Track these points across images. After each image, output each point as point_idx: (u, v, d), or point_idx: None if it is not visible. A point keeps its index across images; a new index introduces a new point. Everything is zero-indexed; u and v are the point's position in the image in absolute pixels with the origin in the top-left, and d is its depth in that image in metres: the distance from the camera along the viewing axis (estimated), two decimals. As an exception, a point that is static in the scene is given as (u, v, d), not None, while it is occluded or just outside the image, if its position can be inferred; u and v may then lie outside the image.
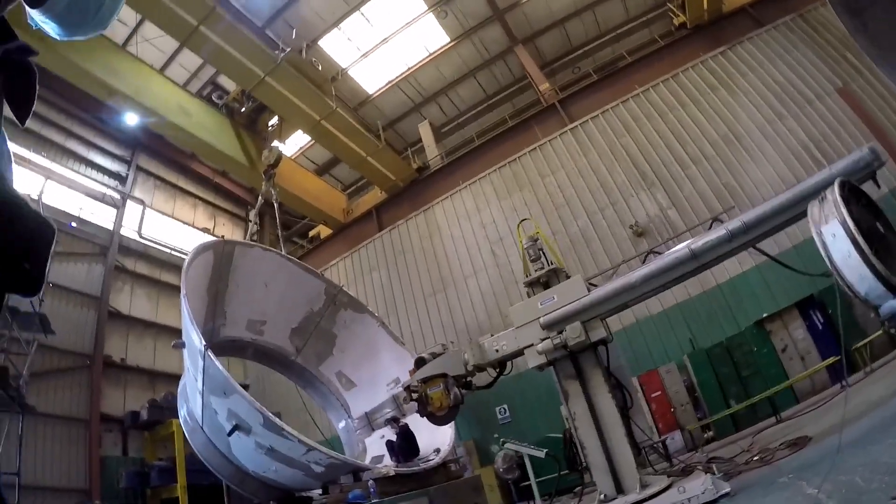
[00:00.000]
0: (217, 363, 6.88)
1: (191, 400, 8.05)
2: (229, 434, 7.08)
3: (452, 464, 9.53)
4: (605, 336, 5.98)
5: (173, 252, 17.86)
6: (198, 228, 19.85)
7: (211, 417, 7.49)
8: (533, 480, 8.38)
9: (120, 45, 14.65)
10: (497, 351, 6.47)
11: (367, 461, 9.87)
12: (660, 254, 6.11)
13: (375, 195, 19.76)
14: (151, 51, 15.78)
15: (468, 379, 6.62)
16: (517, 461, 9.80)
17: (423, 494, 7.28)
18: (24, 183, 13.94)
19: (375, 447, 10.55)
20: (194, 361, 7.42)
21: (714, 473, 5.26)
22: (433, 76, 20.09)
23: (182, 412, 8.57)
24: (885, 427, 4.64)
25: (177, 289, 8.46)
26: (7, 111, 1.08)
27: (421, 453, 9.23)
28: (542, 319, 6.08)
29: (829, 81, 13.10)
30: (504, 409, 13.68)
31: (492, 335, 6.68)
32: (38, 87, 1.15)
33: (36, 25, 1.19)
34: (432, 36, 18.65)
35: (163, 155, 18.92)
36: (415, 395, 6.56)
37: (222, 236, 15.16)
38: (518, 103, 20.95)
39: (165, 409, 13.47)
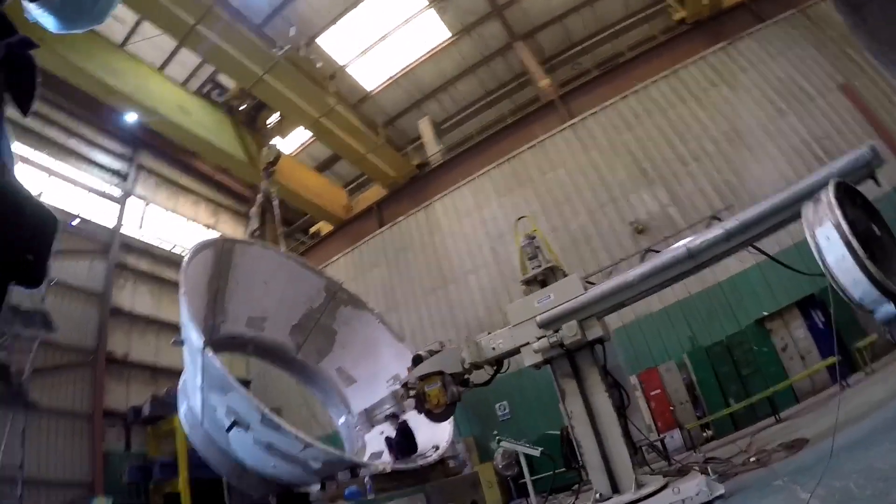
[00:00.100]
0: (215, 361, 6.91)
1: (191, 396, 8.10)
2: (228, 430, 7.11)
3: (451, 460, 9.55)
4: (602, 335, 5.98)
5: (175, 249, 17.93)
6: (200, 225, 19.91)
7: (210, 414, 7.54)
8: (528, 478, 8.39)
9: (119, 45, 14.67)
10: (494, 349, 6.48)
11: (366, 457, 9.91)
12: (658, 252, 6.09)
13: (376, 191, 19.76)
14: (150, 49, 15.76)
15: (465, 377, 6.65)
16: (517, 458, 9.82)
17: (420, 491, 7.31)
18: (26, 182, 13.94)
19: (375, 443, 10.58)
20: (193, 359, 7.46)
21: (709, 475, 5.26)
22: (433, 72, 20.03)
23: (182, 408, 8.62)
24: (883, 431, 4.62)
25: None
26: (10, 105, 1.11)
27: (419, 450, 9.26)
28: (538, 318, 6.08)
29: (831, 78, 13.02)
30: (504, 405, 13.71)
31: (488, 333, 6.70)
32: (39, 79, 1.16)
33: (33, 19, 1.21)
34: (432, 32, 18.58)
35: (164, 152, 18.93)
36: (412, 393, 6.60)
37: (222, 234, 15.20)
38: (518, 99, 20.87)
39: (168, 405, 13.51)
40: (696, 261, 5.60)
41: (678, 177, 13.75)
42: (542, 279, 6.86)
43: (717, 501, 4.66)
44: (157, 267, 17.29)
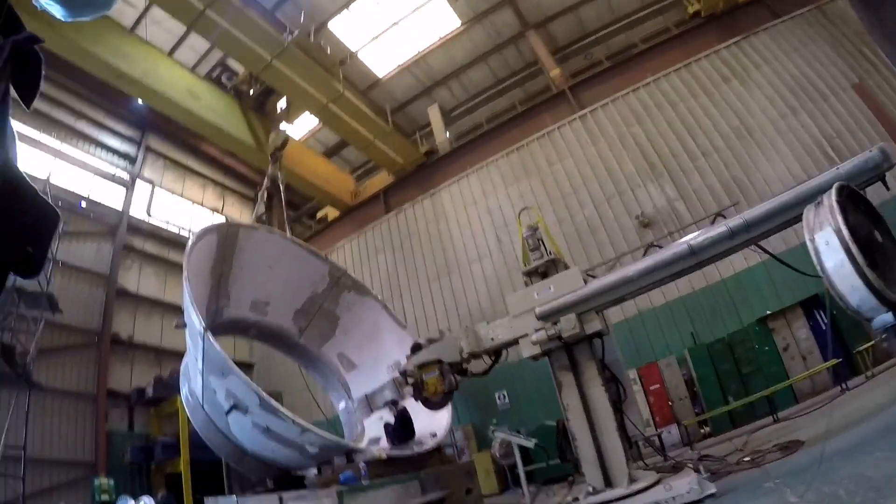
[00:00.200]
0: (216, 345, 6.97)
1: (192, 378, 8.18)
2: (227, 413, 7.20)
3: (448, 448, 9.62)
4: (601, 329, 5.98)
5: (182, 232, 18.03)
6: (207, 208, 20.00)
7: (210, 396, 7.61)
8: (521, 468, 8.44)
9: (129, 29, 14.64)
10: (492, 339, 6.51)
11: (364, 442, 9.99)
12: (661, 247, 6.05)
13: (384, 178, 19.74)
14: (160, 33, 15.76)
15: (464, 366, 6.68)
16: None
17: (415, 478, 7.37)
18: (34, 164, 14.08)
19: (374, 428, 10.67)
20: (195, 342, 7.52)
21: (701, 473, 5.28)
22: (444, 60, 19.89)
23: (184, 390, 8.71)
24: (877, 438, 4.62)
25: (184, 268, 8.55)
26: (14, 97, 1.14)
27: (417, 437, 9.32)
28: (537, 310, 6.08)
29: (845, 76, 12.82)
30: (503, 394, 13.76)
31: (487, 323, 6.72)
32: (43, 72, 1.19)
33: (41, 7, 1.23)
34: (443, 19, 18.42)
35: (172, 136, 18.99)
36: (410, 381, 6.65)
37: (227, 218, 15.25)
38: (529, 89, 20.71)
39: (171, 386, 13.67)
40: (698, 258, 5.57)
41: (686, 172, 13.63)
42: (544, 271, 6.87)
43: (708, 500, 4.68)
44: (163, 249, 17.42)
